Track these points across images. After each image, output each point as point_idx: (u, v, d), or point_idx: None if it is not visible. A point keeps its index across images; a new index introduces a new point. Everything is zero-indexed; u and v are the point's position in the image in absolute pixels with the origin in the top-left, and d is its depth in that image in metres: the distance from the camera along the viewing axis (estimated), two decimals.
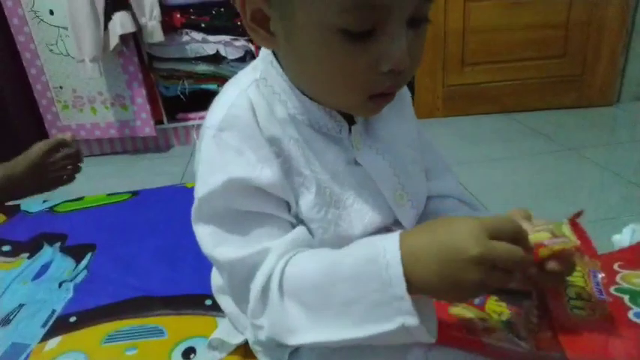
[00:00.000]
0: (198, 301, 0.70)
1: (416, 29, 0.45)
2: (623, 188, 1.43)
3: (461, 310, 0.52)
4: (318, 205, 0.51)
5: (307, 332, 0.44)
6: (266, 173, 0.47)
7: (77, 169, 1.15)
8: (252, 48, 1.88)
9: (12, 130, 1.88)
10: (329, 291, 0.43)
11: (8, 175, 1.07)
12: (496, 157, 1.72)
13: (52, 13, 1.84)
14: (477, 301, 0.54)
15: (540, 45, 2.08)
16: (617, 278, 0.60)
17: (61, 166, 1.12)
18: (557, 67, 2.13)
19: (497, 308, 0.53)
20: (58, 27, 1.86)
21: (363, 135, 0.55)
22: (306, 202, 0.51)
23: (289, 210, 0.51)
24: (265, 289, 0.46)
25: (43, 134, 2.00)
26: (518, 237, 0.40)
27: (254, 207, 0.48)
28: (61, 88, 1.96)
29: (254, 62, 0.55)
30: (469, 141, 1.85)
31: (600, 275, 0.60)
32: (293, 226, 0.51)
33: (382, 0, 0.41)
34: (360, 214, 0.54)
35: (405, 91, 0.61)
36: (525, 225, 0.44)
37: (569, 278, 0.58)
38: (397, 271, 0.39)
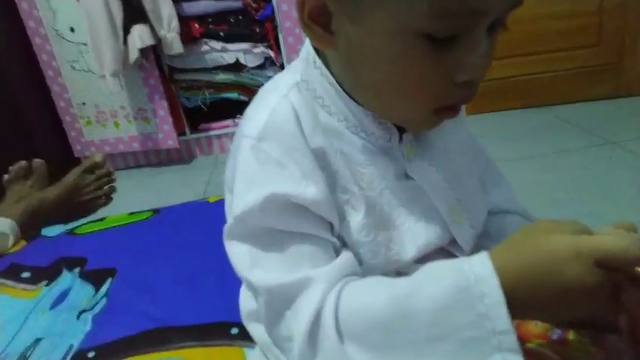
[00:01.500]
0: (223, 329, 0.66)
1: (492, 36, 0.40)
2: None
3: (537, 347, 0.46)
4: (368, 226, 0.45)
5: None
6: (311, 190, 0.41)
7: (112, 190, 1.16)
8: (272, 54, 1.85)
9: (37, 149, 1.89)
10: (405, 329, 0.36)
11: (40, 199, 1.08)
12: (531, 155, 1.63)
13: (72, 30, 1.85)
14: (554, 336, 0.47)
15: (572, 34, 1.98)
16: None
17: (96, 187, 1.14)
18: (592, 57, 2.03)
19: (579, 345, 0.46)
20: (79, 44, 1.86)
21: (413, 143, 0.49)
22: (355, 223, 0.45)
23: (332, 232, 0.45)
24: (315, 329, 0.38)
25: (68, 151, 2.01)
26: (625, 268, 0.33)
27: (297, 227, 0.42)
28: (83, 104, 1.96)
29: (292, 64, 0.50)
30: (501, 138, 1.76)
31: None
32: (337, 250, 0.44)
33: (480, 6, 0.36)
34: (413, 234, 0.47)
35: None
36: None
37: None
38: (496, 300, 0.33)
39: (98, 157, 1.15)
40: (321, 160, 0.44)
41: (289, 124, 0.43)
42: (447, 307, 0.35)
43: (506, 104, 2.07)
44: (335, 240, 0.45)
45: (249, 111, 0.47)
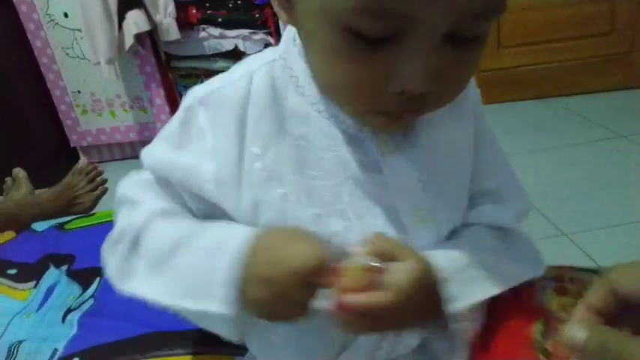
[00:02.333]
0: (213, 336, 0.61)
1: (460, 48, 0.34)
2: None
3: None
4: (316, 215, 0.44)
5: (140, 283, 0.44)
6: (209, 167, 0.43)
7: (104, 190, 1.21)
8: (272, 41, 1.79)
9: (32, 138, 1.85)
10: (174, 254, 0.43)
11: (33, 199, 1.13)
12: (540, 148, 1.58)
13: (66, 15, 1.80)
14: None
15: (583, 22, 1.92)
16: None
17: (88, 188, 1.19)
18: (603, 46, 1.97)
19: None
20: (73, 30, 1.81)
21: (396, 137, 0.45)
22: (297, 215, 0.44)
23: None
24: (124, 232, 0.45)
25: (64, 140, 1.97)
26: None
27: (179, 191, 0.47)
28: (79, 92, 1.91)
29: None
30: (508, 131, 1.71)
31: None
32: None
33: (404, 8, 0.31)
34: (374, 228, 0.44)
35: (470, 90, 0.49)
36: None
37: None
38: (232, 259, 0.39)
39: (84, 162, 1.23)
40: (259, 148, 0.44)
41: (234, 100, 0.44)
42: (204, 249, 0.41)
43: (515, 95, 2.02)
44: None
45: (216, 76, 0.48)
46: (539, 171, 1.42)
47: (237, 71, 0.46)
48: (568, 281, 0.55)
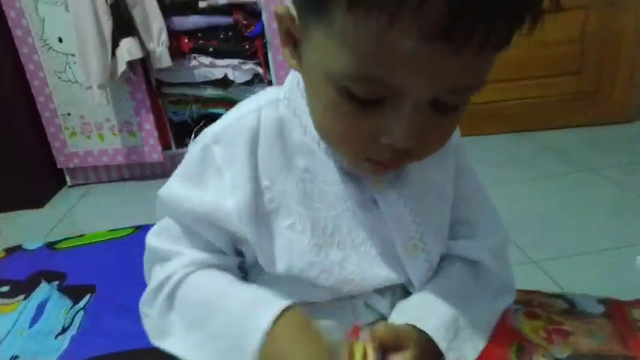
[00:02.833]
0: None
1: (442, 113, 0.39)
2: None
3: None
4: (318, 246, 0.48)
5: (175, 343, 0.47)
6: (230, 202, 0.46)
7: None
8: (261, 71, 1.86)
9: (19, 158, 1.86)
10: (210, 313, 0.46)
11: None
12: (512, 179, 1.66)
13: (60, 40, 1.84)
14: None
15: (555, 61, 2.03)
16: None
17: None
18: (573, 84, 2.08)
19: None
20: (67, 54, 1.85)
21: (389, 175, 0.50)
22: (302, 245, 0.48)
23: (232, 244, 0.51)
24: (160, 288, 0.49)
25: (51, 162, 1.99)
26: None
27: (202, 230, 0.49)
28: (69, 114, 1.94)
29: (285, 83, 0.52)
30: (484, 163, 1.77)
31: None
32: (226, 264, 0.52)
33: (396, 83, 0.36)
34: (369, 257, 0.50)
35: (454, 136, 0.55)
36: None
37: None
38: (256, 340, 0.41)
39: None
40: (269, 180, 0.47)
41: (245, 135, 0.47)
42: (237, 315, 0.44)
43: (489, 129, 2.10)
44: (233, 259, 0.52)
45: (226, 114, 0.51)
46: (513, 201, 1.49)
47: (245, 108, 0.49)
48: (538, 306, 0.60)
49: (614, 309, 0.58)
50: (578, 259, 1.17)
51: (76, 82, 1.87)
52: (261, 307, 0.44)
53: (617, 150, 1.90)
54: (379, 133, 0.39)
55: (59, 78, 1.89)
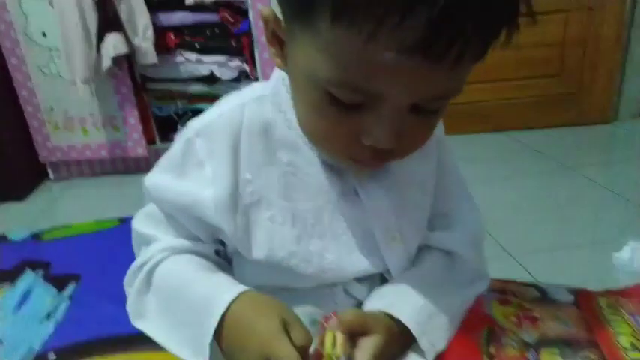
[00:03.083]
0: None
1: (422, 116, 0.41)
2: (622, 207, 1.41)
3: None
4: (298, 236, 0.50)
5: (149, 325, 0.50)
6: (209, 192, 0.48)
7: None
8: (247, 68, 1.87)
9: (2, 151, 1.84)
10: (176, 300, 0.48)
11: None
12: (493, 177, 1.69)
13: (44, 35, 1.83)
14: (530, 357, 0.50)
15: (537, 63, 2.08)
16: None
17: None
18: (553, 86, 2.13)
19: None
20: (50, 48, 1.84)
21: None
22: (283, 236, 0.49)
23: (213, 234, 0.52)
24: (140, 269, 0.51)
25: (34, 155, 1.97)
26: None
27: (181, 219, 0.51)
28: (52, 109, 1.93)
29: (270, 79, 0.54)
30: (465, 160, 1.79)
31: None
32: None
33: (376, 90, 0.38)
34: (348, 247, 0.51)
35: (438, 129, 0.55)
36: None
37: (614, 324, 0.55)
38: (213, 324, 0.44)
39: None
40: (251, 174, 0.49)
41: (228, 130, 0.48)
42: (198, 306, 0.46)
43: (471, 128, 2.14)
44: (210, 246, 0.54)
45: (210, 108, 0.52)
46: (492, 198, 1.52)
47: (229, 103, 0.50)
48: (510, 293, 0.63)
49: (582, 298, 0.61)
50: (555, 253, 1.20)
51: (60, 76, 1.86)
52: (218, 294, 0.46)
53: (595, 150, 1.95)
54: (361, 134, 0.41)
55: (43, 72, 1.88)
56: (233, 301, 0.45)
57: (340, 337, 0.43)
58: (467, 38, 0.34)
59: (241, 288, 0.46)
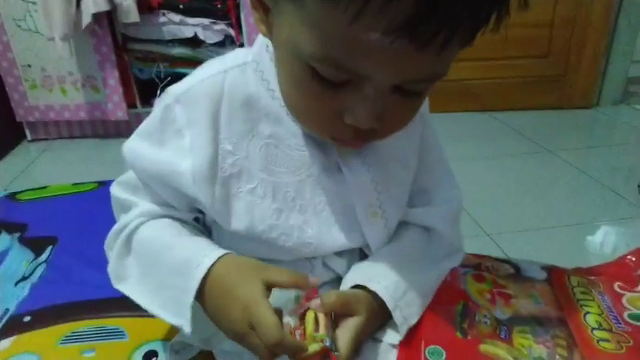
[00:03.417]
0: None
1: (405, 97, 0.41)
2: (599, 192, 1.44)
3: (491, 348, 0.50)
4: (278, 210, 0.50)
5: (131, 288, 0.51)
6: (187, 162, 0.47)
7: None
8: (232, 33, 1.82)
9: None
10: (158, 264, 0.49)
11: None
12: (474, 156, 1.71)
13: None
14: (502, 334, 0.52)
15: (524, 43, 2.06)
16: (624, 302, 0.58)
17: None
18: (541, 67, 2.13)
19: (524, 342, 0.51)
20: (27, 1, 1.76)
21: None
22: (263, 209, 0.49)
23: (189, 205, 0.52)
24: (117, 234, 0.53)
25: (9, 114, 1.91)
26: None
27: (157, 188, 0.51)
28: (29, 66, 1.86)
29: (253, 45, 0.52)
30: (449, 139, 1.81)
31: (609, 299, 0.59)
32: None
33: (359, 69, 0.37)
34: (329, 222, 0.51)
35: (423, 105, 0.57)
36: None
37: (583, 303, 0.57)
38: (193, 286, 0.45)
39: None
40: (232, 145, 0.48)
41: (208, 98, 0.47)
42: (177, 269, 0.47)
43: (454, 106, 2.14)
44: (187, 214, 0.54)
45: (191, 74, 0.51)
46: (472, 176, 1.54)
47: (210, 70, 0.49)
48: (485, 269, 0.64)
49: (555, 275, 0.62)
50: (531, 234, 1.23)
51: (37, 31, 1.79)
52: (199, 257, 0.47)
53: (577, 134, 1.98)
54: (342, 112, 0.40)
55: (18, 26, 1.80)
56: (214, 264, 0.45)
57: (323, 319, 0.44)
58: (455, 23, 0.33)
59: (222, 251, 0.47)
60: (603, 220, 1.29)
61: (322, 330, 0.43)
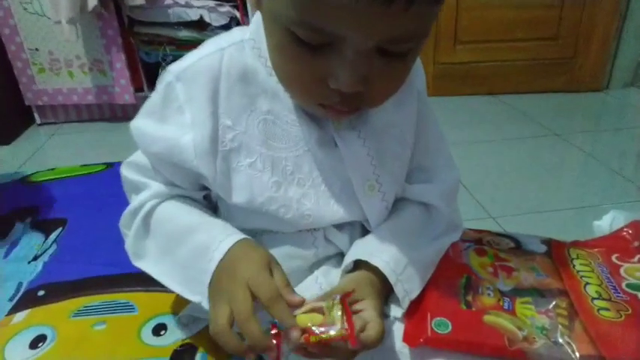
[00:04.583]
0: None
1: (390, 58, 0.41)
2: (606, 176, 1.44)
3: (495, 318, 0.51)
4: (277, 183, 0.51)
5: (150, 265, 0.53)
6: (189, 137, 0.48)
7: None
8: (238, 15, 1.82)
9: None
10: (178, 246, 0.50)
11: None
12: (481, 140, 1.70)
13: None
14: (505, 305, 0.53)
15: (533, 25, 2.04)
16: (622, 272, 0.59)
17: None
18: (549, 49, 2.10)
19: (527, 312, 0.52)
20: None
21: (350, 116, 0.52)
22: (264, 182, 0.50)
23: (195, 182, 0.54)
24: (135, 214, 0.54)
25: (18, 98, 1.93)
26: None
27: (161, 168, 0.52)
28: (36, 50, 1.87)
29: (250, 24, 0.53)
30: (456, 122, 1.82)
31: (608, 270, 0.60)
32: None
33: (337, 31, 0.38)
34: (327, 196, 0.53)
35: (418, 80, 0.57)
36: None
37: (583, 274, 0.57)
38: (211, 268, 0.47)
39: None
40: (231, 120, 0.49)
41: (207, 75, 0.48)
42: (197, 250, 0.49)
43: (461, 90, 2.13)
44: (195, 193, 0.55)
45: (189, 53, 0.52)
46: (479, 160, 1.54)
47: (208, 48, 0.50)
48: (486, 244, 0.65)
49: (555, 248, 0.63)
50: (536, 216, 1.23)
51: (44, 15, 1.80)
52: (216, 242, 0.48)
53: (585, 117, 1.96)
54: (327, 77, 0.41)
55: (25, 9, 1.81)
56: (229, 249, 0.47)
57: (341, 312, 0.44)
58: None
59: (236, 237, 0.48)
60: (611, 205, 1.29)
61: (345, 324, 0.43)
